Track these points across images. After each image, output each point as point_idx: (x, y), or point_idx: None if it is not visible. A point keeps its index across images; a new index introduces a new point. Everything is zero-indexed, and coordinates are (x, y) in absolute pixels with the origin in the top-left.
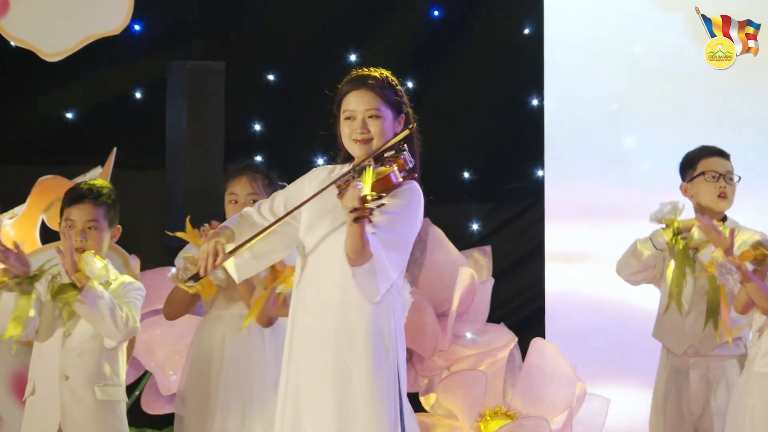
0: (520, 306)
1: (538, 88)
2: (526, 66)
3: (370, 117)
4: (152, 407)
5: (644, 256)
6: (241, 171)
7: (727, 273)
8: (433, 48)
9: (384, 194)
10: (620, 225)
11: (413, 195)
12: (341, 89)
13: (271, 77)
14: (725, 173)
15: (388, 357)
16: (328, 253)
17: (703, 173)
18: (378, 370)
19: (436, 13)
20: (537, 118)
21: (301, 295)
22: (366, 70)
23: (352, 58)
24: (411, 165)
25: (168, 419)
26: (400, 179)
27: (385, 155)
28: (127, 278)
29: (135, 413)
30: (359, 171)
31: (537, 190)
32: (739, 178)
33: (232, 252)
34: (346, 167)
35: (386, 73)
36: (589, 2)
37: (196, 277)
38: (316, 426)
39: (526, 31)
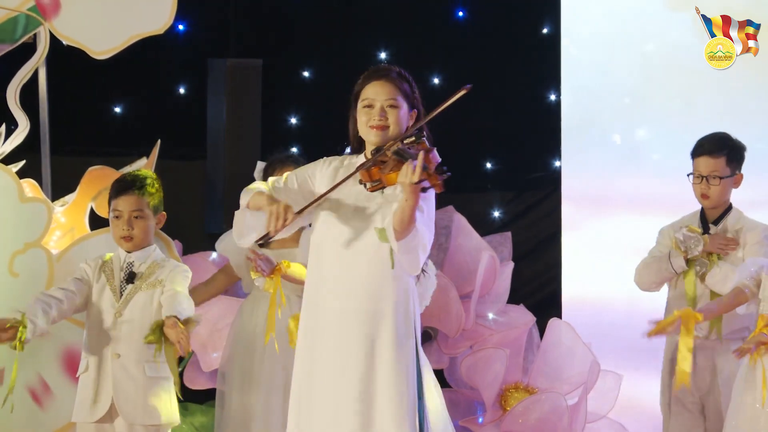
0: (538, 288)
1: (556, 84)
2: (545, 63)
3: (389, 106)
4: (194, 383)
5: (663, 275)
6: (286, 161)
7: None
8: (458, 46)
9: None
10: (633, 212)
11: None
12: (361, 80)
13: (306, 73)
14: (709, 174)
15: (408, 337)
16: (354, 240)
17: (692, 174)
18: (400, 350)
19: (460, 13)
20: (554, 111)
21: (323, 281)
22: (385, 64)
23: (383, 55)
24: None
25: (209, 394)
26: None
27: (405, 141)
28: (175, 262)
29: None
30: (397, 152)
31: (554, 179)
32: (720, 179)
33: (300, 212)
34: (359, 158)
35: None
36: (604, 3)
37: (266, 238)
38: (338, 404)
39: (545, 30)
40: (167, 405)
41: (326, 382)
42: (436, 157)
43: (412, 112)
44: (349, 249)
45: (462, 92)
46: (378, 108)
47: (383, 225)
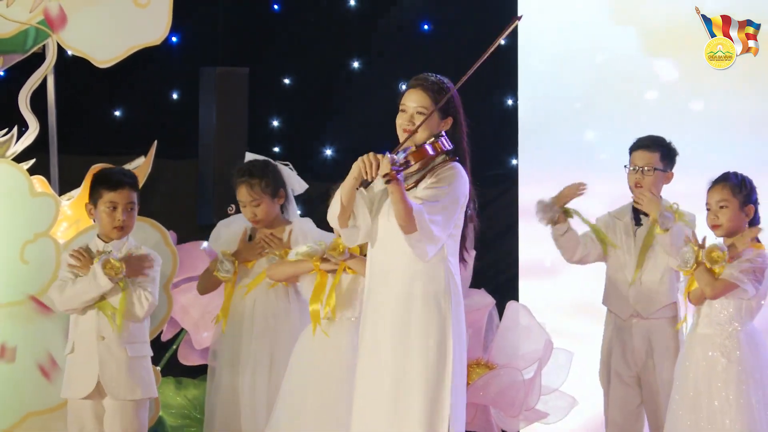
0: (497, 273)
1: (513, 91)
2: (503, 72)
3: (418, 113)
4: (187, 359)
5: (556, 235)
6: (240, 181)
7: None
8: (423, 56)
9: (413, 162)
10: (582, 205)
11: (453, 171)
12: (406, 86)
13: (287, 81)
14: (644, 166)
15: (441, 318)
16: (392, 231)
17: (628, 165)
18: (430, 329)
19: (426, 26)
20: (512, 115)
21: (374, 272)
22: (428, 74)
23: (356, 65)
24: (449, 147)
25: (201, 369)
26: (432, 153)
27: (426, 141)
28: (146, 249)
29: (172, 365)
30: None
31: (512, 176)
32: (655, 169)
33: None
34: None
35: (445, 79)
36: (557, 18)
37: (365, 183)
38: (376, 383)
39: (503, 42)
40: (147, 381)
41: (365, 365)
42: (426, 149)
43: (447, 118)
44: (388, 239)
45: (514, 23)
46: (409, 114)
47: None
